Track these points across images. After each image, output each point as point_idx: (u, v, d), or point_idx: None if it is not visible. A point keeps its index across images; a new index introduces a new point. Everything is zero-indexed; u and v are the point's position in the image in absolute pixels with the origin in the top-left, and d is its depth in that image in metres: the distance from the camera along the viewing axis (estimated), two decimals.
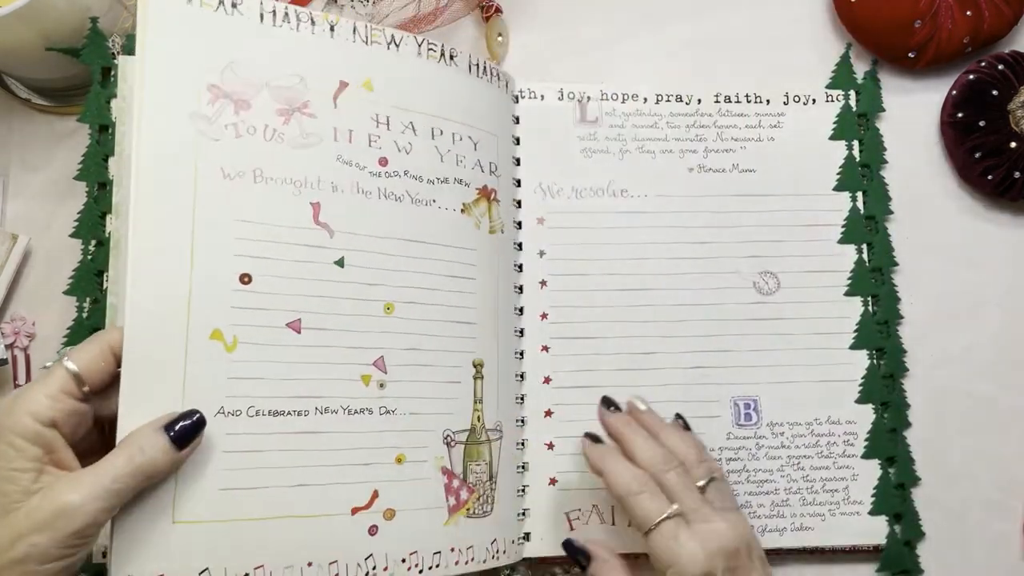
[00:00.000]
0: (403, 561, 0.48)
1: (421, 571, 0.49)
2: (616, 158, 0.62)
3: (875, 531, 0.59)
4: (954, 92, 0.65)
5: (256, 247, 0.47)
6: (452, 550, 0.50)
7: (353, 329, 0.49)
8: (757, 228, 0.62)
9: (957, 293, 0.64)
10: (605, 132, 0.62)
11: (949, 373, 0.61)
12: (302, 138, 0.49)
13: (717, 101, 0.63)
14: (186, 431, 0.42)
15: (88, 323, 0.52)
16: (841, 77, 0.65)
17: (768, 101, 0.64)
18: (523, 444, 0.56)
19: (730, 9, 0.67)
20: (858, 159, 0.63)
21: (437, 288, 0.52)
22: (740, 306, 0.60)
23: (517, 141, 0.60)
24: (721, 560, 0.46)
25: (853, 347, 0.61)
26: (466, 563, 0.51)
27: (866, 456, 0.60)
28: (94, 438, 0.44)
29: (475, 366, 0.53)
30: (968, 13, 0.63)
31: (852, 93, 0.65)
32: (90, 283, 0.51)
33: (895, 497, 0.59)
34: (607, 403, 0.53)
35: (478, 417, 0.53)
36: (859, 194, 0.63)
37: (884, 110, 0.64)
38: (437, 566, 0.49)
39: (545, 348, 0.58)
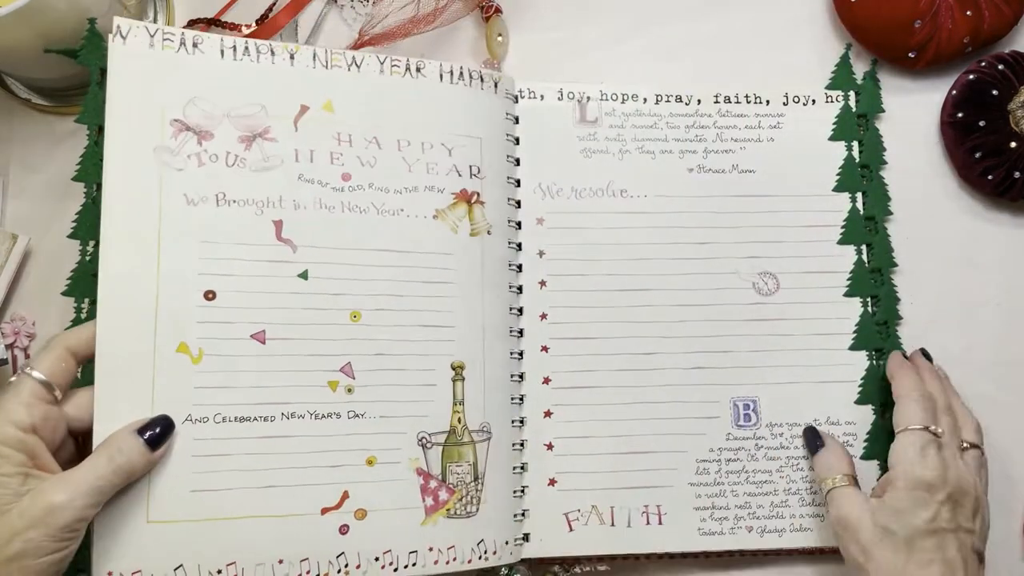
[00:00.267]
0: (376, 560, 0.52)
1: (396, 569, 0.53)
2: (616, 158, 0.63)
3: None
4: (954, 92, 0.65)
5: (219, 265, 0.52)
6: (430, 549, 0.54)
7: (318, 338, 0.53)
8: (757, 229, 0.63)
9: (957, 293, 0.64)
10: (605, 132, 0.64)
11: (948, 373, 0.61)
12: (263, 161, 0.55)
13: (717, 101, 0.65)
14: (158, 434, 0.48)
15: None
16: (840, 78, 0.66)
17: (768, 102, 0.65)
18: (522, 445, 0.58)
19: (730, 9, 0.69)
20: (858, 160, 0.65)
21: (407, 294, 0.56)
22: (739, 307, 0.62)
23: (517, 141, 0.62)
24: (951, 488, 0.50)
25: (853, 348, 0.62)
26: (447, 563, 0.54)
27: (865, 457, 0.60)
28: (71, 449, 0.50)
29: (454, 368, 0.56)
30: (968, 13, 0.64)
31: (852, 94, 0.66)
32: (88, 284, 0.54)
33: None
34: (924, 354, 0.60)
35: (459, 419, 0.56)
36: (859, 195, 0.64)
37: (884, 111, 0.66)
38: (413, 564, 0.53)
39: (544, 348, 0.60)
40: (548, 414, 0.59)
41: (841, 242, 0.63)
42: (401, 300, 0.55)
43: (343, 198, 0.55)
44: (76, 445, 0.50)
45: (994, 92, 0.64)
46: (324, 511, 0.52)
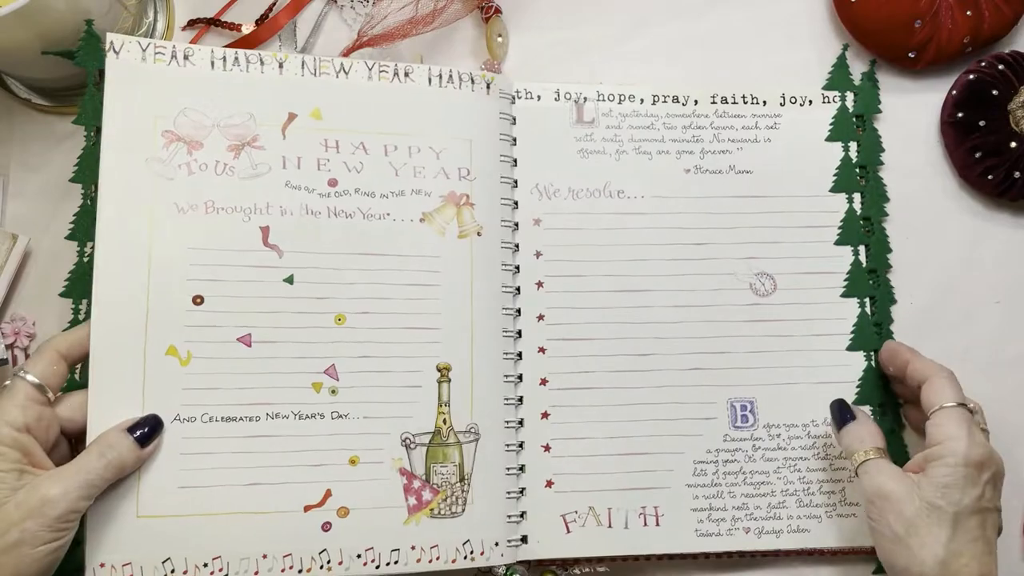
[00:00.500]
0: (359, 557, 0.56)
1: (378, 566, 0.56)
2: (613, 159, 0.66)
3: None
4: (954, 92, 0.67)
5: (207, 271, 0.57)
6: (413, 548, 0.57)
7: (303, 340, 0.57)
8: (754, 229, 0.65)
9: (957, 293, 0.66)
10: (602, 133, 0.66)
11: None
12: (251, 169, 0.59)
13: (714, 102, 0.67)
14: (147, 432, 0.53)
15: None
16: (837, 78, 0.69)
17: (764, 102, 0.67)
18: (521, 446, 0.61)
19: (730, 8, 0.71)
20: (855, 160, 0.67)
21: (392, 297, 0.59)
22: (736, 307, 0.64)
23: (514, 141, 0.65)
24: (995, 468, 0.53)
25: (850, 348, 0.64)
26: (429, 561, 0.57)
27: None
28: (64, 449, 0.54)
29: (439, 370, 0.59)
30: (968, 13, 0.66)
31: (849, 95, 0.68)
32: (86, 285, 0.57)
33: None
34: None
35: (444, 420, 0.59)
36: (856, 196, 0.66)
37: (881, 111, 0.68)
38: (396, 562, 0.57)
39: (542, 350, 0.63)
40: (545, 415, 0.62)
41: (838, 243, 0.65)
42: (386, 303, 0.59)
43: (329, 204, 0.59)
44: (69, 445, 0.55)
45: (994, 92, 0.66)
46: (307, 509, 0.56)
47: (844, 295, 0.65)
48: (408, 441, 0.58)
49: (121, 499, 0.53)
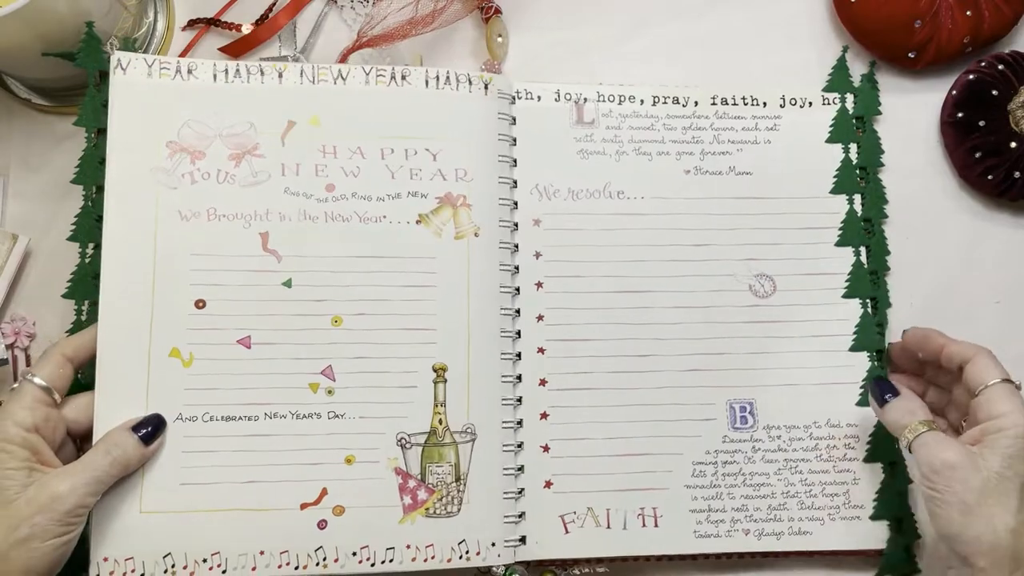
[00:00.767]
0: (354, 554, 0.60)
1: (373, 564, 0.61)
2: (612, 160, 0.68)
3: (876, 536, 0.64)
4: (954, 92, 0.70)
5: (209, 276, 0.61)
6: (408, 547, 0.61)
7: (300, 342, 0.62)
8: (753, 231, 0.68)
9: (957, 293, 0.69)
10: (602, 134, 0.69)
11: None
12: (252, 176, 0.63)
13: (714, 103, 0.70)
14: (151, 431, 0.58)
15: (87, 325, 0.61)
16: (837, 80, 0.71)
17: (764, 104, 0.70)
18: (519, 446, 0.65)
19: (730, 8, 0.75)
20: (855, 162, 0.69)
21: (389, 298, 0.63)
22: (735, 309, 0.67)
23: (513, 142, 0.69)
24: None
25: (853, 349, 0.66)
26: (425, 561, 0.61)
27: (868, 460, 0.65)
28: (71, 449, 0.58)
29: (435, 370, 0.63)
30: (968, 13, 0.69)
31: (849, 96, 0.71)
32: (88, 286, 0.61)
33: (898, 502, 0.65)
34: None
35: (440, 420, 0.63)
36: (856, 197, 0.69)
37: (881, 112, 0.70)
38: (391, 561, 0.61)
39: (541, 350, 0.65)
40: (544, 416, 0.65)
41: (839, 244, 0.68)
42: (382, 304, 0.63)
43: (327, 208, 0.64)
44: (75, 445, 0.60)
45: (994, 92, 0.69)
46: (303, 506, 0.60)
47: (846, 296, 0.67)
48: (404, 441, 0.62)
49: (125, 495, 0.58)
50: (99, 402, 0.58)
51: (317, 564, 0.60)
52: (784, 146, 0.69)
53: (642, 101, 0.69)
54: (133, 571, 0.58)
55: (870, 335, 0.67)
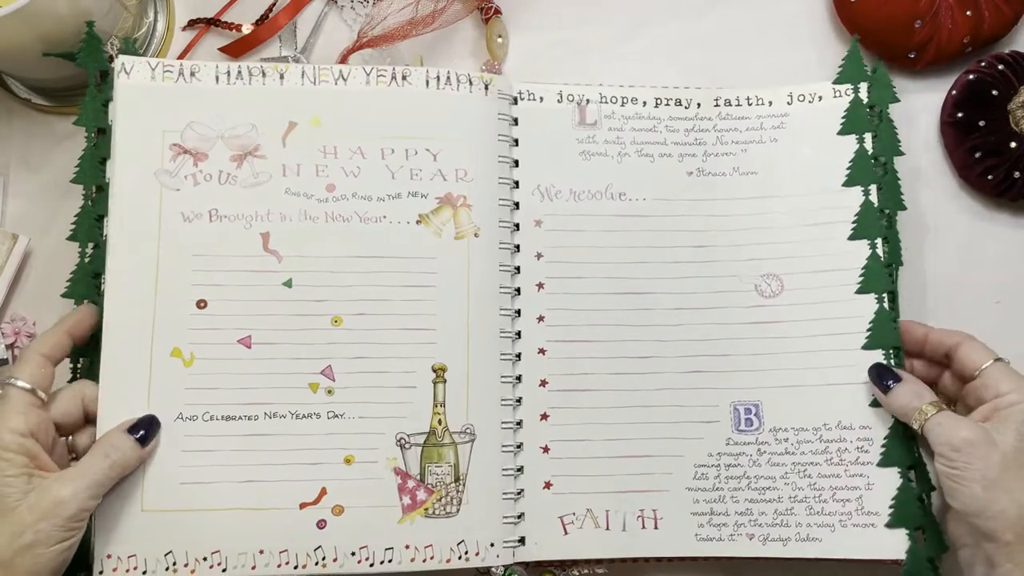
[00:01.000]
0: (353, 554, 0.63)
1: (372, 564, 0.63)
2: (615, 161, 0.70)
3: (893, 545, 0.63)
4: (954, 92, 0.73)
5: (211, 276, 0.64)
6: (407, 547, 0.64)
7: (300, 342, 0.65)
8: (758, 231, 0.69)
9: (957, 293, 0.72)
10: (604, 135, 0.71)
11: None
12: (253, 178, 0.66)
13: (716, 105, 0.71)
14: (146, 433, 0.60)
15: None
16: (851, 70, 0.71)
17: (770, 103, 0.71)
18: (519, 447, 0.67)
19: (730, 8, 0.77)
20: (870, 152, 0.69)
21: (388, 298, 0.66)
22: (740, 309, 0.68)
23: (516, 143, 0.71)
24: None
25: (866, 347, 0.66)
26: (423, 561, 0.64)
27: (883, 464, 0.64)
28: (62, 448, 0.61)
29: (435, 370, 0.66)
30: (968, 13, 0.71)
31: (863, 85, 0.71)
32: (87, 286, 0.63)
33: (917, 509, 0.63)
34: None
35: (439, 420, 0.66)
36: (872, 188, 0.68)
37: (899, 99, 0.70)
38: (389, 561, 0.64)
39: (542, 351, 0.67)
40: (544, 417, 0.66)
41: (852, 238, 0.68)
42: (382, 304, 0.66)
43: (327, 209, 0.67)
44: (66, 442, 0.61)
45: (994, 92, 0.71)
46: (302, 506, 0.63)
47: (859, 291, 0.67)
48: (403, 441, 0.65)
49: (127, 494, 0.61)
50: (102, 401, 0.61)
51: (316, 564, 0.63)
52: (792, 143, 0.70)
53: (644, 103, 0.71)
54: (136, 568, 0.61)
55: (887, 331, 0.66)
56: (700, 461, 0.66)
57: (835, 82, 0.71)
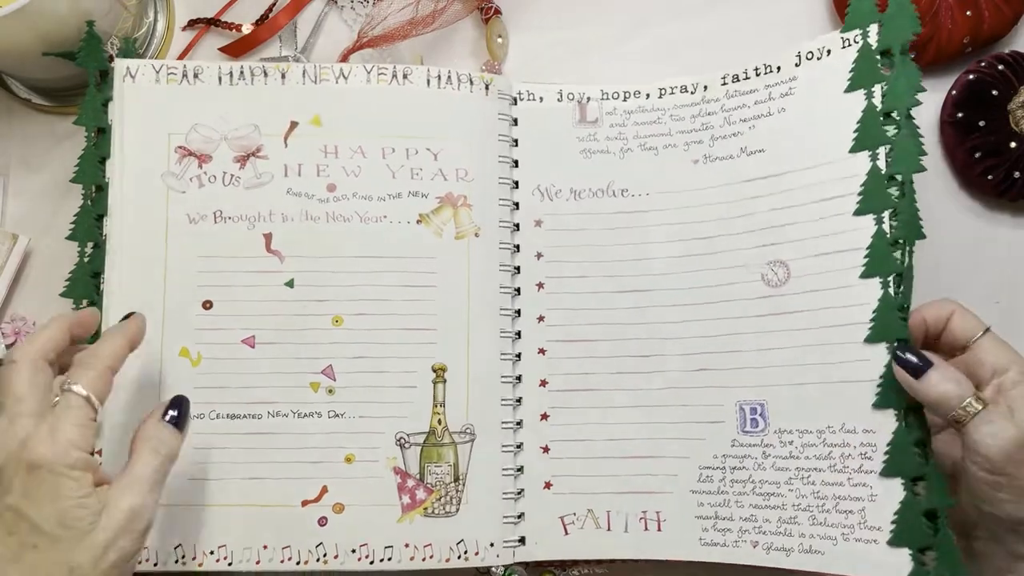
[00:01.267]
0: (353, 552, 0.67)
1: (372, 562, 0.67)
2: (616, 157, 0.72)
3: (895, 566, 0.59)
4: (954, 92, 0.75)
5: (216, 277, 0.68)
6: (406, 546, 0.67)
7: (302, 342, 0.68)
8: (766, 214, 0.66)
9: (957, 293, 0.71)
10: (605, 132, 0.72)
11: None
12: (256, 178, 0.70)
13: (725, 83, 0.70)
14: (178, 414, 0.59)
15: None
16: (859, 11, 0.65)
17: (778, 68, 0.68)
18: (519, 447, 0.70)
19: (730, 8, 0.80)
20: (879, 108, 0.63)
21: (389, 298, 0.69)
22: (747, 302, 0.66)
23: (516, 143, 0.74)
24: None
25: (869, 340, 0.61)
26: (423, 560, 0.67)
27: (886, 473, 0.60)
28: None
29: (435, 370, 0.69)
30: (968, 13, 0.74)
31: (872, 28, 0.64)
32: (87, 286, 0.66)
33: (922, 527, 0.58)
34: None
35: (439, 420, 0.69)
36: (880, 151, 0.62)
37: (919, 29, 0.63)
38: (389, 559, 0.67)
39: (542, 351, 0.69)
40: (545, 417, 0.69)
41: (858, 212, 0.62)
42: (382, 304, 0.69)
43: (328, 208, 0.70)
44: None
45: (994, 92, 0.74)
46: (304, 503, 0.67)
47: (864, 275, 0.62)
48: (403, 440, 0.68)
49: None
50: (111, 402, 0.64)
51: (317, 560, 0.66)
52: (799, 110, 0.66)
53: (648, 95, 0.72)
54: (147, 560, 0.64)
55: (891, 321, 0.60)
56: (705, 463, 0.66)
57: (843, 30, 0.65)
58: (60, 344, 0.57)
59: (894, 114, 0.63)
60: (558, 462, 0.68)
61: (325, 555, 0.66)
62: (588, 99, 0.73)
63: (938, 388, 0.56)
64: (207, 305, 0.68)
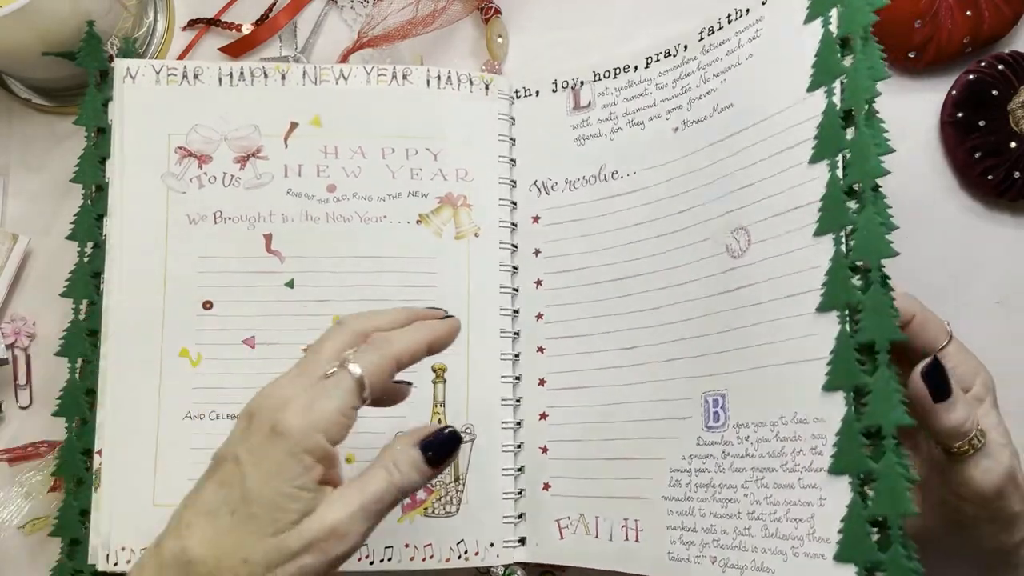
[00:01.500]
0: None
1: (372, 562, 0.69)
2: (608, 139, 0.72)
3: None
4: (954, 92, 0.77)
5: (216, 278, 0.71)
6: (406, 546, 0.69)
7: (302, 342, 0.69)
8: (731, 176, 0.61)
9: (957, 293, 0.76)
10: (598, 114, 0.72)
11: None
12: (256, 179, 0.73)
13: (701, 38, 0.68)
14: (442, 450, 0.51)
15: (85, 325, 0.68)
16: None
17: (747, 11, 0.64)
18: (520, 447, 0.71)
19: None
20: (835, 33, 0.56)
21: (389, 299, 0.72)
22: (710, 279, 0.61)
23: (513, 142, 0.76)
24: None
25: (820, 308, 0.54)
26: (423, 560, 0.69)
27: (834, 470, 0.51)
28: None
29: (435, 370, 0.71)
30: (968, 13, 0.76)
31: None
32: (86, 285, 0.68)
33: (868, 539, 0.49)
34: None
35: (439, 420, 0.71)
36: (836, 85, 0.55)
37: None
38: (389, 559, 0.69)
39: (540, 349, 0.71)
40: (543, 416, 0.70)
41: (813, 160, 0.56)
42: (382, 304, 0.70)
43: (328, 209, 0.73)
44: None
45: (994, 92, 0.76)
46: None
47: (817, 233, 0.54)
48: None
49: (139, 489, 0.67)
50: (109, 403, 0.67)
51: None
52: (764, 55, 0.61)
53: (636, 67, 0.72)
54: None
55: (842, 284, 0.52)
56: (675, 465, 0.62)
57: None
58: (414, 361, 0.53)
59: (852, 37, 0.55)
60: (556, 463, 0.69)
61: None
62: (581, 83, 0.74)
63: (959, 416, 0.52)
64: (207, 305, 0.70)
